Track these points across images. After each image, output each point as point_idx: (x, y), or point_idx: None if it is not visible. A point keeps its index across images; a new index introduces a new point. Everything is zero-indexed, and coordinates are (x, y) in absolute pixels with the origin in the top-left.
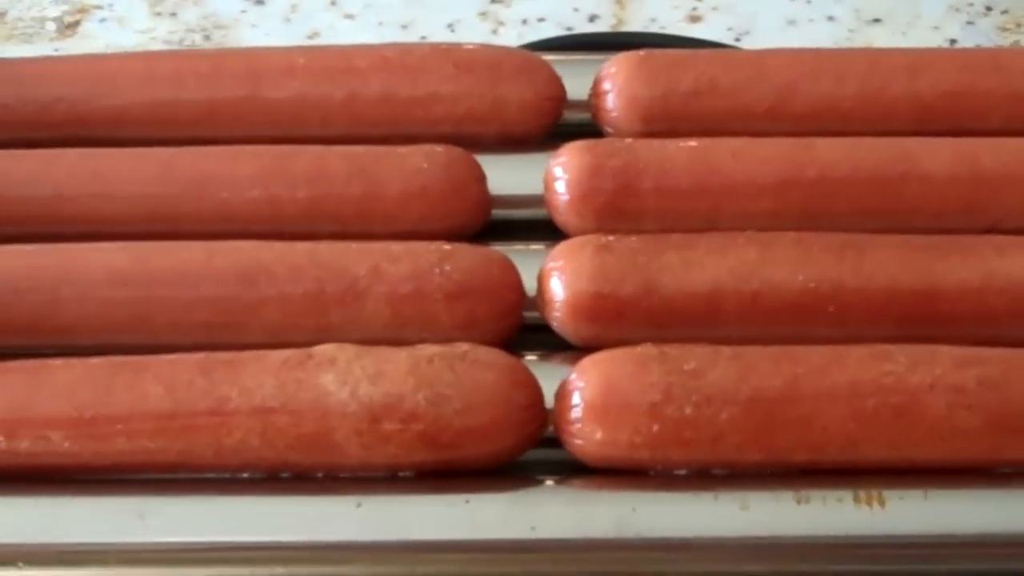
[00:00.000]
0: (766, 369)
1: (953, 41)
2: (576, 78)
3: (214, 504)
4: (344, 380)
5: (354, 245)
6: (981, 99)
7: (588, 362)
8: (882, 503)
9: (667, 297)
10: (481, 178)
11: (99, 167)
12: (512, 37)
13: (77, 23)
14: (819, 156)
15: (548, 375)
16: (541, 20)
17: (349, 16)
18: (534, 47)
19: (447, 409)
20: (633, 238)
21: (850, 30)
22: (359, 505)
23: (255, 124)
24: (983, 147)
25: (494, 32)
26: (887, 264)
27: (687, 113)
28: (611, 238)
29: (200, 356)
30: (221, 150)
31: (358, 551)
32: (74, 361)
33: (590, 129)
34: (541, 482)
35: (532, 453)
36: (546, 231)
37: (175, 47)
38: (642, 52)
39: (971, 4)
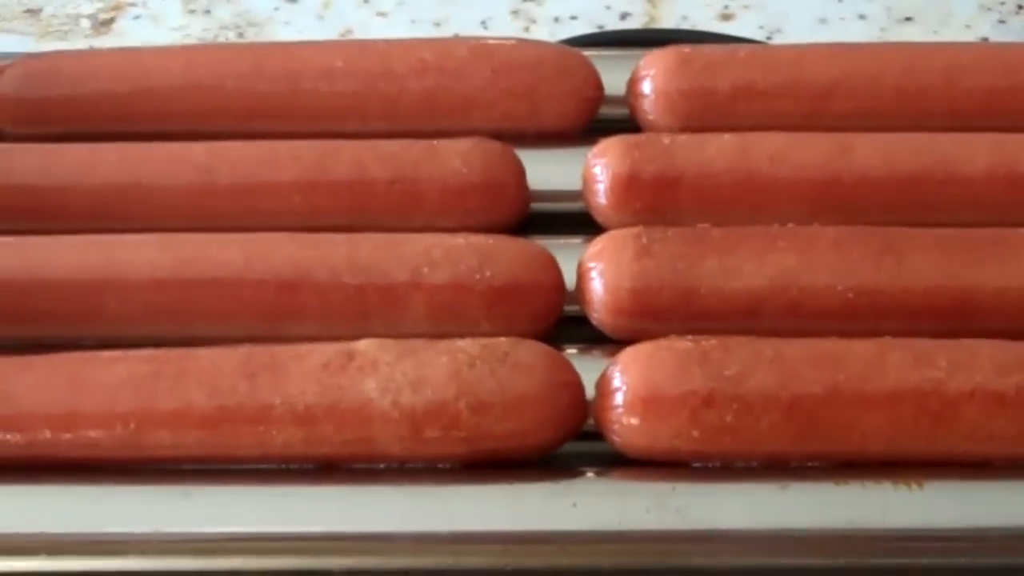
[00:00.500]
0: (807, 376)
1: (985, 39)
2: (612, 73)
3: (257, 493)
4: (386, 387)
5: (394, 244)
6: (1019, 97)
7: (629, 358)
8: (921, 486)
9: (706, 304)
10: (521, 172)
11: (141, 166)
12: (544, 35)
13: (111, 20)
14: (857, 160)
15: (588, 367)
16: (573, 18)
17: (382, 14)
18: (569, 44)
19: (489, 417)
20: (672, 232)
21: (881, 28)
22: (401, 496)
23: (294, 122)
24: (1021, 146)
25: (526, 30)
26: (925, 271)
27: (725, 110)
28: (648, 239)
29: (242, 355)
30: (260, 153)
31: (401, 541)
32: (117, 356)
33: (627, 124)
34: (582, 473)
35: (573, 445)
36: (585, 224)
37: None
38: (680, 48)
39: (1003, 3)
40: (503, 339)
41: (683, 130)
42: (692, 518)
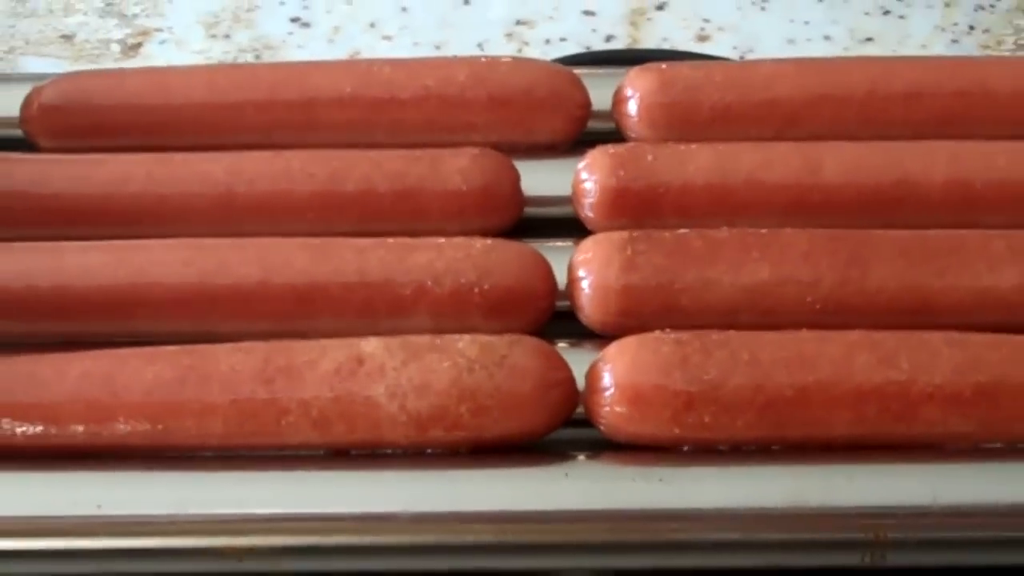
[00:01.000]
0: (779, 378)
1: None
2: (598, 89)
3: (274, 478)
4: (393, 392)
5: (400, 255)
6: (976, 107)
7: (614, 354)
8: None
9: (686, 312)
10: (516, 180)
11: (168, 178)
12: (536, 56)
13: (139, 45)
14: (824, 174)
15: (578, 360)
16: (563, 40)
17: (387, 37)
18: (559, 63)
19: (487, 418)
20: (655, 239)
21: (844, 48)
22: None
23: (309, 137)
24: (976, 158)
25: (519, 51)
26: (888, 279)
27: (701, 122)
28: (632, 251)
29: (260, 359)
30: (276, 168)
31: (403, 522)
32: (147, 358)
33: (613, 136)
34: (574, 456)
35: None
36: (573, 228)
37: None
38: (660, 65)
39: (955, 24)
40: (501, 340)
41: (663, 140)
42: (672, 497)
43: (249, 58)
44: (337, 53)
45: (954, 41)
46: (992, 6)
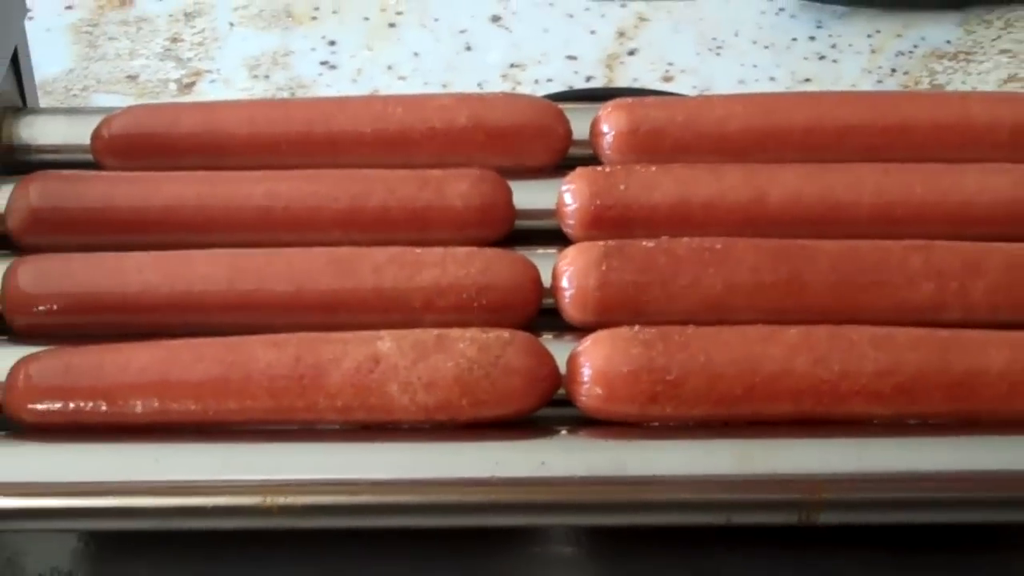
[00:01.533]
0: (730, 377)
1: None
2: (578, 121)
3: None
4: (405, 389)
5: (410, 273)
6: (897, 141)
7: (591, 344)
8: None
9: (652, 319)
10: (510, 197)
11: (217, 197)
12: (527, 92)
13: (193, 83)
14: (769, 203)
15: (561, 349)
16: (549, 80)
17: (402, 78)
18: (547, 99)
19: (484, 409)
20: (627, 253)
21: (787, 87)
22: (412, 450)
23: (335, 165)
24: (897, 184)
25: (512, 89)
26: (823, 295)
27: (666, 151)
28: (607, 267)
29: (292, 357)
30: (306, 194)
31: (407, 485)
32: (196, 349)
33: (591, 160)
34: (557, 431)
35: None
36: (557, 238)
37: None
38: (629, 100)
39: (880, 67)
40: (497, 341)
41: (634, 161)
42: (640, 465)
43: (285, 95)
44: (360, 91)
45: (879, 81)
46: (911, 52)
